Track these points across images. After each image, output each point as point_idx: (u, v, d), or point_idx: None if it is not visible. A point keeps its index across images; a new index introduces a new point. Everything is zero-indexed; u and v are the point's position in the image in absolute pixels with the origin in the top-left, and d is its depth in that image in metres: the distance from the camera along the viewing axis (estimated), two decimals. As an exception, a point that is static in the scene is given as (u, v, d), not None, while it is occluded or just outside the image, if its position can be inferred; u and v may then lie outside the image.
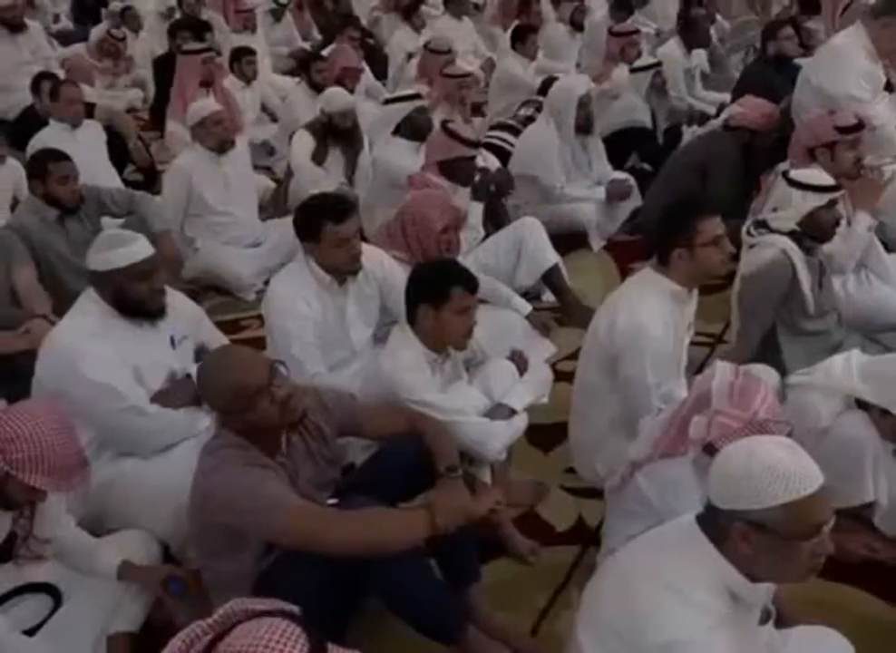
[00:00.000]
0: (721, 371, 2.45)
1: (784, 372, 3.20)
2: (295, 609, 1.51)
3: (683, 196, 4.43)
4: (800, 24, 7.01)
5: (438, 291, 2.76)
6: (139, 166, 6.03)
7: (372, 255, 3.37)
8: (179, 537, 2.68)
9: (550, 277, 4.31)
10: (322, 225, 3.11)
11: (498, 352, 3.34)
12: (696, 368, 3.69)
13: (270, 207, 5.57)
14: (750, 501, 1.72)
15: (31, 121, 5.70)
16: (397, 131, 4.88)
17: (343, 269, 3.21)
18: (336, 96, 5.31)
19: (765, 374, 3.09)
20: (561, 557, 2.86)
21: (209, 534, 2.36)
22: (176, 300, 3.04)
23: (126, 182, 5.65)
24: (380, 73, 8.14)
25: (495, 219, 4.80)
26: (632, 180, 5.24)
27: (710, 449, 2.35)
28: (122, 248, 2.82)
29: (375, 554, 2.22)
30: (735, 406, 2.35)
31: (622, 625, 1.81)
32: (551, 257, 4.30)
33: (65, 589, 2.58)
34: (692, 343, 4.02)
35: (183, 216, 4.78)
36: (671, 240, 2.90)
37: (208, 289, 4.77)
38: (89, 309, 2.86)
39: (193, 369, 2.90)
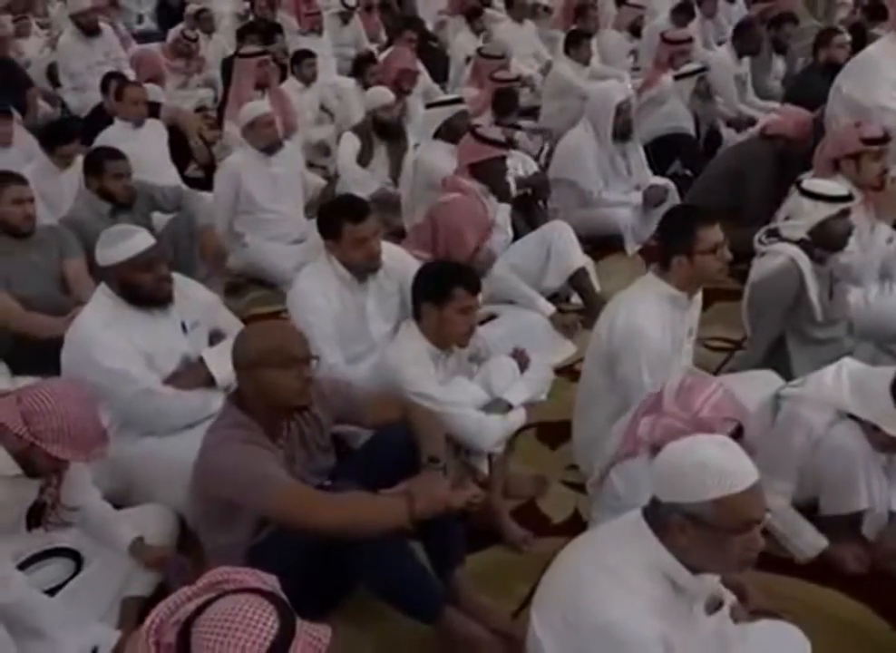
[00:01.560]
0: (674, 373, 2.55)
1: (791, 379, 3.26)
2: (272, 582, 1.65)
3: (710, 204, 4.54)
4: (866, 30, 6.97)
5: (441, 290, 2.91)
6: (200, 164, 6.30)
7: (394, 253, 3.54)
8: (193, 510, 2.88)
9: (577, 280, 4.41)
10: (342, 225, 3.29)
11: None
12: (713, 373, 3.76)
13: (318, 205, 5.76)
14: (685, 494, 1.83)
15: (100, 119, 6.00)
16: (438, 133, 5.02)
17: (362, 267, 3.38)
18: (376, 92, 5.51)
19: (767, 380, 3.17)
20: (553, 547, 2.94)
21: (208, 507, 2.56)
22: (188, 288, 3.27)
23: (187, 179, 5.92)
24: (442, 76, 8.32)
25: (531, 222, 4.93)
26: (671, 186, 5.30)
27: (656, 451, 2.44)
28: (124, 241, 3.05)
29: (355, 535, 2.38)
30: (678, 406, 2.44)
31: (566, 607, 1.94)
32: (579, 259, 4.41)
33: (87, 555, 2.81)
34: (710, 348, 4.16)
35: (233, 212, 5.01)
36: (671, 247, 3.00)
37: (252, 282, 5.01)
38: (102, 301, 3.12)
39: (206, 353, 3.12)
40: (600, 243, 5.12)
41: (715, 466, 1.82)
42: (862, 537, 2.85)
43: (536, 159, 5.78)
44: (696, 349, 4.06)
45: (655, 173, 5.46)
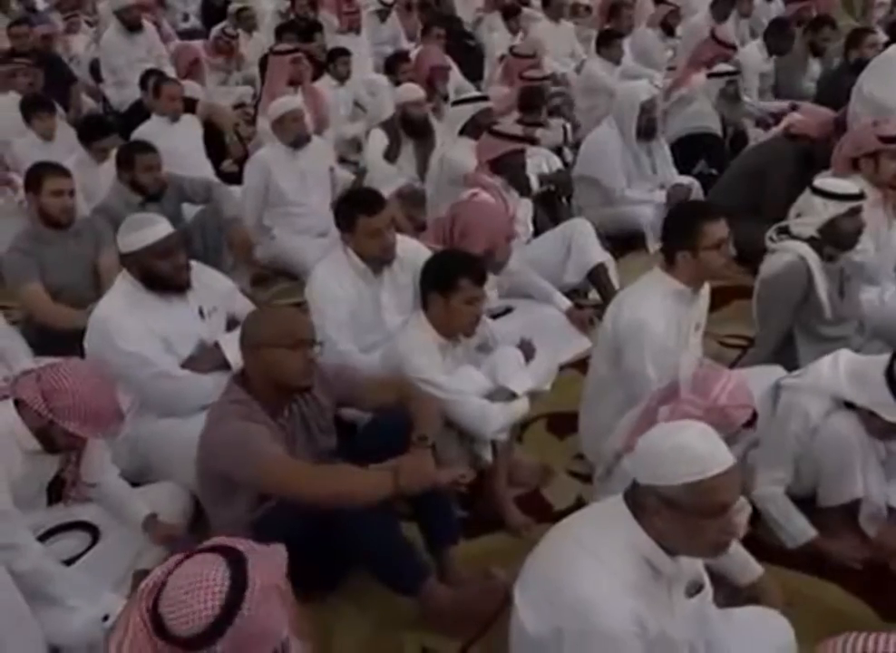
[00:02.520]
0: (686, 363, 2.60)
1: (800, 376, 3.29)
2: (237, 545, 1.76)
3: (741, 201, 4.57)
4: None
5: (447, 281, 2.99)
6: (234, 159, 6.44)
7: (409, 246, 3.63)
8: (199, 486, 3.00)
9: (596, 276, 4.46)
10: (356, 217, 3.38)
11: (539, 344, 3.57)
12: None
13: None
14: (661, 477, 1.89)
15: (138, 114, 6.18)
16: (463, 130, 5.10)
17: (377, 259, 3.47)
18: (406, 88, 5.61)
19: (773, 374, 3.20)
20: (553, 533, 3.04)
21: (209, 481, 2.69)
22: (206, 275, 3.39)
23: (222, 174, 6.07)
24: (478, 74, 8.39)
25: (554, 219, 5.00)
26: (696, 185, 5.32)
27: None
28: (144, 230, 3.18)
29: (343, 505, 2.49)
30: (695, 394, 2.49)
31: (545, 584, 2.00)
32: (598, 256, 4.46)
33: (103, 529, 2.94)
34: (727, 345, 4.18)
35: (262, 206, 5.13)
36: (676, 242, 3.04)
37: (278, 274, 5.12)
38: (123, 287, 3.25)
39: (222, 338, 3.23)
40: (623, 241, 5.15)
41: (691, 451, 1.87)
42: (860, 531, 2.88)
43: (560, 150, 5.82)
44: (712, 345, 4.16)
45: (680, 172, 5.48)
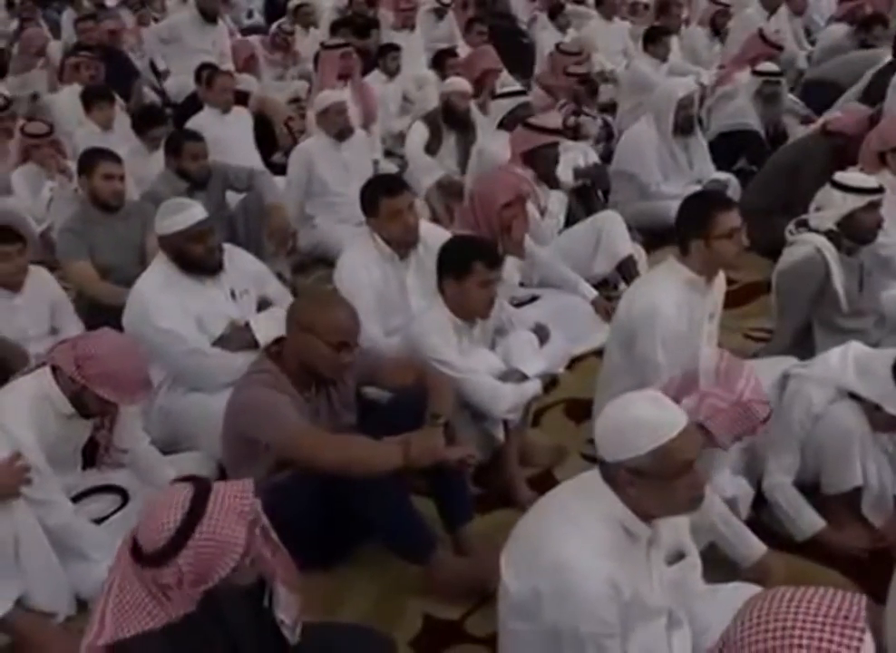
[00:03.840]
0: (705, 356, 2.68)
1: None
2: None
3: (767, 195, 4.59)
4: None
5: (462, 265, 3.09)
6: (284, 151, 6.61)
7: (435, 232, 3.74)
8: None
9: (625, 267, 4.53)
10: (378, 199, 3.52)
11: (562, 331, 3.67)
12: (748, 360, 3.83)
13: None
14: (624, 452, 1.98)
15: (192, 105, 6.40)
16: (502, 124, 5.20)
17: (399, 240, 3.59)
18: (454, 79, 5.75)
19: (781, 363, 3.24)
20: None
21: (233, 444, 2.85)
22: (239, 258, 3.56)
23: (272, 165, 6.25)
24: (530, 71, 8.46)
25: (589, 212, 5.06)
26: (734, 181, 5.34)
27: (700, 428, 2.59)
28: (179, 213, 3.35)
29: (355, 472, 2.61)
30: (721, 388, 2.57)
31: (526, 547, 2.11)
32: (627, 248, 4.52)
33: (132, 493, 3.11)
34: (752, 338, 4.21)
35: (305, 195, 5.29)
36: (689, 231, 3.10)
37: (319, 261, 5.28)
38: (159, 268, 3.44)
39: (253, 319, 3.39)
40: (657, 235, 5.18)
41: (645, 420, 1.96)
42: (863, 518, 2.92)
43: (598, 142, 5.89)
44: (736, 338, 4.20)
45: (720, 168, 5.50)
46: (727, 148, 5.67)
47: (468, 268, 3.07)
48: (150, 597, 1.92)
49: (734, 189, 5.32)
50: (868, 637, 1.36)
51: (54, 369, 2.85)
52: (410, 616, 2.75)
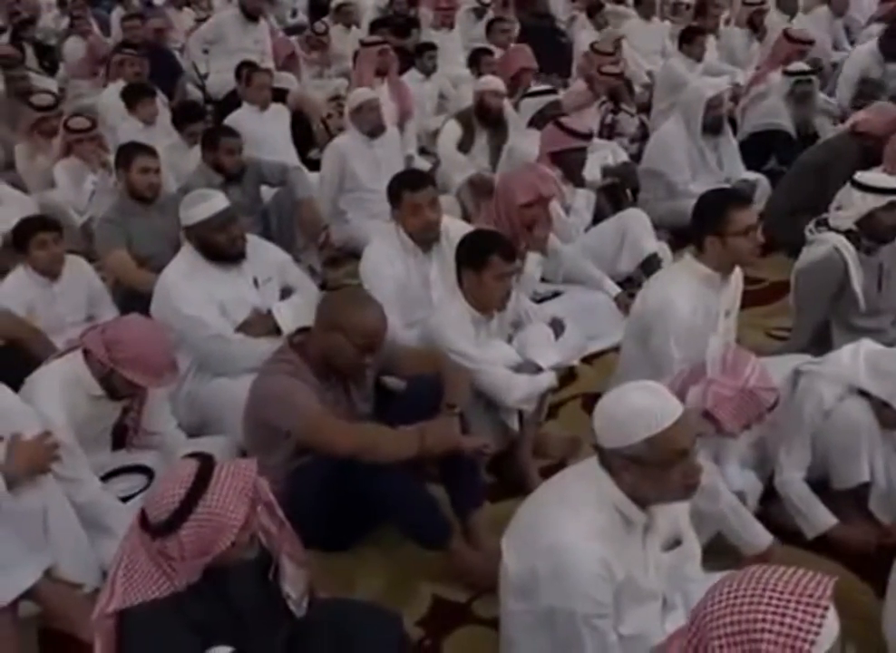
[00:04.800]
0: (712, 346, 2.73)
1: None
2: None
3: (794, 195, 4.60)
4: None
5: (479, 258, 3.17)
6: (321, 147, 6.73)
7: (459, 227, 3.82)
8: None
9: (649, 265, 4.56)
10: (401, 193, 3.61)
11: (585, 327, 3.74)
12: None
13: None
14: (621, 440, 2.04)
15: (232, 102, 6.55)
16: (532, 122, 5.26)
17: (420, 234, 3.67)
18: (489, 78, 5.81)
19: (794, 360, 3.27)
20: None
21: (254, 430, 2.94)
22: (262, 247, 3.67)
23: (309, 161, 6.37)
24: (568, 70, 8.50)
25: (617, 210, 5.10)
26: (763, 182, 5.36)
27: (707, 416, 2.65)
28: (202, 204, 3.47)
29: (373, 460, 2.69)
30: (727, 376, 2.62)
31: (525, 529, 2.19)
32: (651, 246, 4.56)
33: (158, 474, 3.22)
34: (774, 337, 4.23)
35: (338, 191, 5.39)
36: (705, 228, 3.14)
37: (350, 256, 5.37)
38: (185, 257, 3.57)
39: (275, 306, 3.49)
40: (684, 233, 5.19)
41: (641, 410, 2.02)
42: (871, 515, 2.94)
43: (632, 141, 5.93)
44: (759, 336, 4.22)
45: (751, 168, 5.52)
46: (758, 148, 5.68)
47: (485, 260, 3.15)
48: (157, 567, 2.02)
49: (763, 189, 5.34)
50: (832, 615, 1.42)
51: (85, 352, 2.97)
52: (420, 597, 2.84)
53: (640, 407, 2.02)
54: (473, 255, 3.19)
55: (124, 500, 3.07)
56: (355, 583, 2.89)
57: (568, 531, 2.07)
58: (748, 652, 1.39)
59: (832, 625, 1.41)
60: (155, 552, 2.02)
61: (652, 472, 2.04)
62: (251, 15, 8.06)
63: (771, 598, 1.41)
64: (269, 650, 2.25)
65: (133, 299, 4.10)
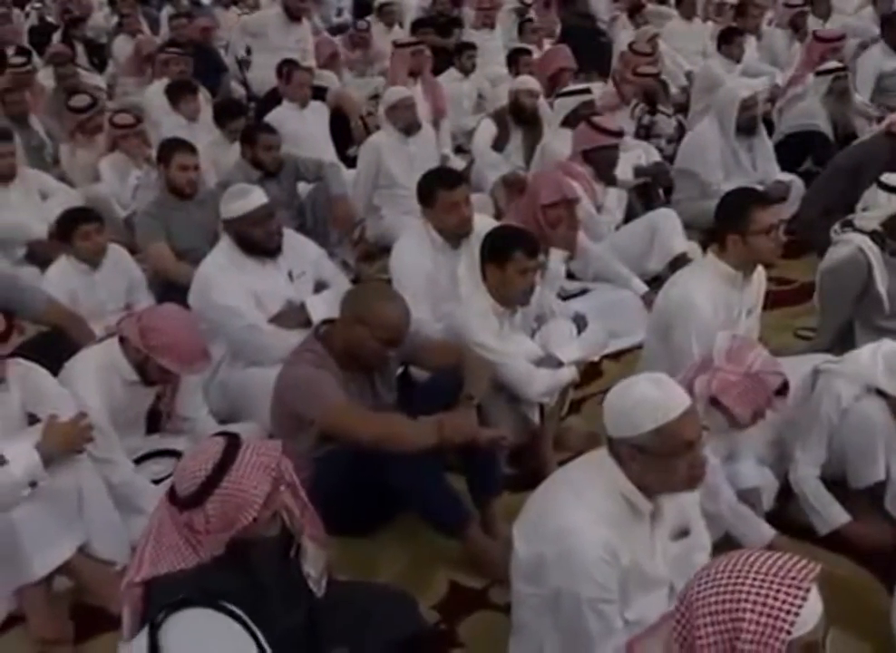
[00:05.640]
0: (720, 337, 2.77)
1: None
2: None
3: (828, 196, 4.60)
4: None
5: (502, 253, 3.23)
6: (359, 145, 6.82)
7: (487, 223, 3.88)
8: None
9: (678, 265, 4.57)
10: (436, 191, 3.68)
11: (612, 325, 3.80)
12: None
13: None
14: (629, 429, 2.10)
15: (273, 99, 6.67)
16: (565, 121, 5.31)
17: (454, 231, 3.75)
18: (525, 77, 5.88)
19: (814, 359, 3.29)
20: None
21: (280, 418, 3.03)
22: (297, 242, 3.77)
23: (347, 158, 6.48)
24: (607, 71, 8.52)
25: (649, 209, 5.14)
26: (797, 183, 5.35)
27: (714, 402, 2.69)
28: (241, 199, 3.58)
29: (391, 448, 2.77)
30: (732, 363, 2.66)
31: (534, 515, 2.25)
32: (681, 245, 4.60)
33: (189, 457, 3.34)
34: (802, 337, 4.24)
35: (372, 187, 5.48)
36: (727, 226, 3.18)
37: (384, 251, 5.46)
38: (223, 249, 3.70)
39: (308, 300, 3.59)
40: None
41: (649, 400, 2.07)
42: (887, 514, 2.96)
43: (669, 142, 5.95)
44: (786, 336, 4.23)
45: (787, 169, 5.51)
46: (795, 149, 5.68)
47: (508, 256, 3.21)
48: (183, 540, 2.12)
49: (797, 190, 5.33)
50: (814, 598, 1.46)
51: (121, 339, 3.09)
52: (437, 582, 2.92)
53: (648, 398, 2.08)
54: (497, 250, 3.26)
55: (156, 482, 3.17)
56: (375, 568, 2.97)
57: (574, 516, 2.13)
58: (731, 630, 1.44)
59: (814, 607, 1.46)
60: (182, 525, 2.12)
61: (658, 462, 2.09)
62: (294, 15, 8.19)
63: (755, 579, 1.46)
64: (289, 626, 2.34)
65: (171, 290, 4.23)
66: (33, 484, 2.68)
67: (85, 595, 2.86)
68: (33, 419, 2.91)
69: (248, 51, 8.70)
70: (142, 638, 1.55)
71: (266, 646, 1.62)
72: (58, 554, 2.73)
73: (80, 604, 2.86)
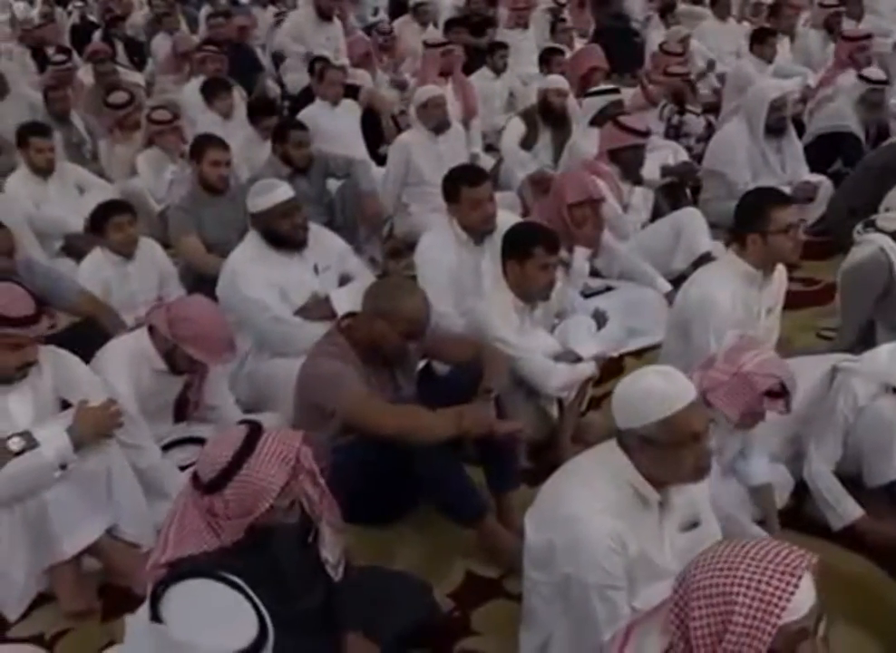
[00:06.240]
0: (729, 336, 2.80)
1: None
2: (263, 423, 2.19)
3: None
4: None
5: (522, 249, 3.29)
6: (390, 143, 6.90)
7: (509, 220, 3.94)
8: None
9: (703, 264, 4.59)
10: (460, 188, 3.75)
11: (635, 323, 3.83)
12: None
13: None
14: (636, 420, 2.15)
15: (306, 97, 6.77)
16: (594, 121, 5.34)
17: (478, 228, 3.80)
18: (554, 77, 5.92)
19: (833, 359, 3.30)
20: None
21: (302, 410, 3.10)
22: (323, 236, 3.84)
23: (378, 156, 6.56)
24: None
25: (676, 209, 5.15)
26: (826, 184, 5.33)
27: (705, 400, 2.71)
28: (267, 194, 3.65)
29: (412, 440, 2.82)
30: (725, 362, 2.69)
31: (544, 504, 2.31)
32: (705, 245, 4.60)
33: (215, 446, 3.43)
34: (825, 337, 4.24)
35: (402, 184, 5.55)
36: (747, 226, 3.20)
37: (411, 247, 5.52)
38: (250, 243, 3.78)
39: (333, 293, 3.66)
40: (743, 234, 5.23)
41: (656, 392, 2.11)
42: (901, 512, 2.98)
43: (699, 140, 5.96)
44: (809, 336, 4.24)
45: (817, 170, 5.49)
46: (825, 150, 5.65)
47: (529, 251, 3.26)
48: (205, 523, 2.19)
49: (826, 191, 5.31)
50: (807, 585, 1.50)
51: (151, 329, 3.18)
52: (454, 571, 2.97)
53: (655, 390, 2.12)
54: (517, 246, 3.31)
55: (182, 468, 3.25)
56: (392, 556, 3.03)
57: (582, 504, 2.18)
58: (723, 613, 1.49)
59: (807, 594, 1.50)
60: (204, 509, 2.19)
61: (665, 452, 2.14)
62: (325, 15, 8.28)
63: (749, 565, 1.50)
64: (307, 608, 2.41)
65: (201, 283, 4.32)
66: (63, 467, 2.77)
67: (112, 576, 2.95)
68: (65, 405, 3.01)
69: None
70: (145, 609, 1.63)
71: (264, 612, 1.69)
72: (87, 535, 2.82)
73: (107, 585, 2.95)
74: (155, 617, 1.61)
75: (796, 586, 1.47)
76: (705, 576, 1.53)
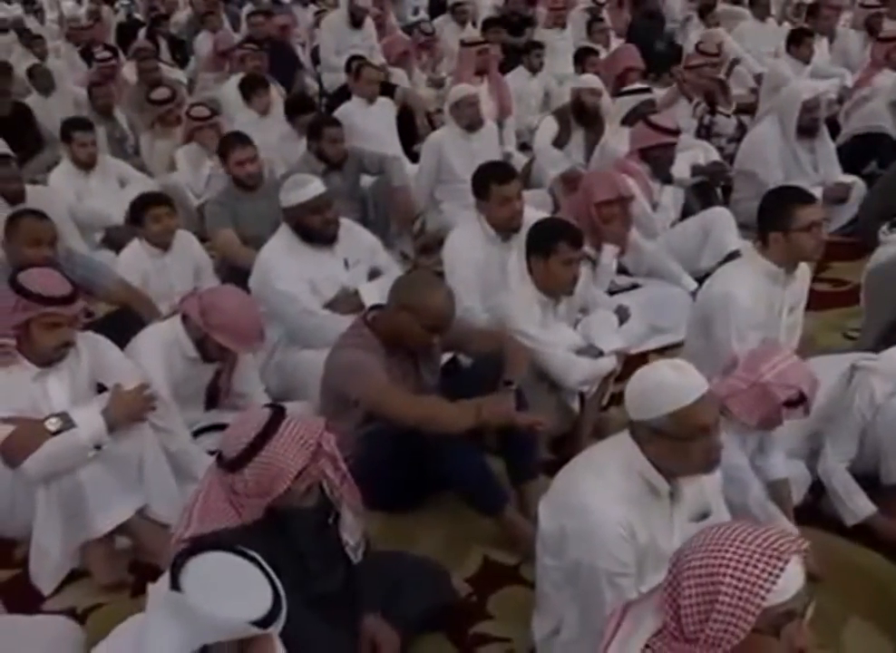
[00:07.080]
0: (752, 340, 2.83)
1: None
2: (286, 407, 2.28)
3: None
4: None
5: (546, 244, 3.34)
6: (424, 140, 6.98)
7: (536, 217, 3.99)
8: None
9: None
10: (489, 185, 3.81)
11: (659, 320, 3.88)
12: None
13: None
14: (647, 412, 2.19)
15: (343, 95, 6.86)
16: (625, 120, 5.38)
17: (505, 225, 3.87)
18: (588, 76, 5.97)
19: (852, 358, 3.32)
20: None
21: (328, 399, 3.19)
22: (354, 231, 3.92)
23: (413, 154, 6.63)
24: (676, 71, 8.54)
25: (706, 209, 5.17)
26: (859, 184, 5.32)
27: (723, 406, 2.75)
28: (300, 189, 3.74)
29: (433, 430, 2.89)
30: (745, 370, 2.72)
31: (558, 491, 2.36)
32: (733, 244, 4.61)
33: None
34: (851, 337, 4.25)
35: (434, 182, 5.62)
36: (769, 224, 3.23)
37: (443, 243, 5.59)
38: (282, 236, 3.87)
39: (362, 287, 3.74)
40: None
41: (667, 385, 2.15)
42: (919, 511, 2.99)
43: (730, 141, 5.97)
44: (836, 336, 4.24)
45: (851, 171, 5.48)
46: (860, 151, 5.64)
47: (553, 247, 3.31)
48: (228, 502, 2.29)
49: (859, 191, 5.30)
50: (793, 570, 1.54)
51: (184, 317, 3.29)
52: (472, 557, 3.04)
53: (666, 383, 2.16)
54: (541, 241, 3.37)
55: (211, 453, 3.35)
56: (412, 542, 3.10)
57: (593, 493, 2.23)
58: (710, 593, 1.54)
59: (793, 578, 1.54)
60: (227, 487, 2.29)
61: (674, 444, 2.18)
62: (356, 21, 8.35)
63: (738, 547, 1.55)
64: (327, 589, 2.50)
65: (236, 275, 4.43)
66: (97, 448, 2.88)
67: (142, 554, 3.05)
68: (101, 388, 3.13)
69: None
70: (165, 578, 1.74)
71: (280, 588, 1.78)
72: (119, 513, 2.92)
73: (137, 562, 3.06)
74: (175, 586, 1.70)
75: (782, 569, 1.52)
76: (696, 557, 1.58)
